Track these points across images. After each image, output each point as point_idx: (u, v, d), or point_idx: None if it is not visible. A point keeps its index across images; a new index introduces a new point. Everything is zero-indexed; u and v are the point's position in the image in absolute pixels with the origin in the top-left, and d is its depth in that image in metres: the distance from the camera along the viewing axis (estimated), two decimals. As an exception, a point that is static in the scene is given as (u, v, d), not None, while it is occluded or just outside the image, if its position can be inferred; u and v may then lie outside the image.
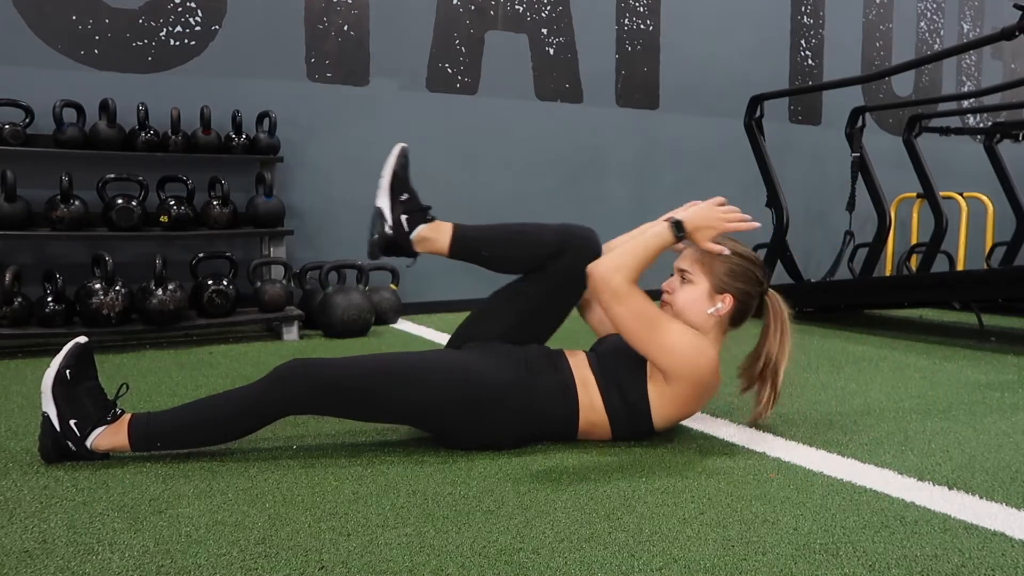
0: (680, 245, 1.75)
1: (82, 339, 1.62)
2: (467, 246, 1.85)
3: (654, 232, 1.72)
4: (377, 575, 1.13)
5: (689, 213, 1.73)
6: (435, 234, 1.84)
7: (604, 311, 1.71)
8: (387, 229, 1.83)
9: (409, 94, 4.03)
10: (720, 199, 1.75)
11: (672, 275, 1.81)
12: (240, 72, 3.60)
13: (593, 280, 1.69)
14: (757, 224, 1.75)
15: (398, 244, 1.84)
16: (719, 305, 1.74)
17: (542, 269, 1.81)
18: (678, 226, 1.71)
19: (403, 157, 1.88)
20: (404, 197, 1.85)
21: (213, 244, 3.49)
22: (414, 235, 1.84)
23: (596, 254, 1.78)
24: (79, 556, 1.18)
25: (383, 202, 1.85)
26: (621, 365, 1.72)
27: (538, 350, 1.80)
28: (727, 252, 1.73)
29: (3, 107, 3.06)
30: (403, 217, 1.84)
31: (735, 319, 1.78)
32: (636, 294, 1.67)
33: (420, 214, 1.85)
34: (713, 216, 1.72)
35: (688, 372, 1.66)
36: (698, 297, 1.75)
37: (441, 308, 4.07)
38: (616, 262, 1.68)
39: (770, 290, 1.82)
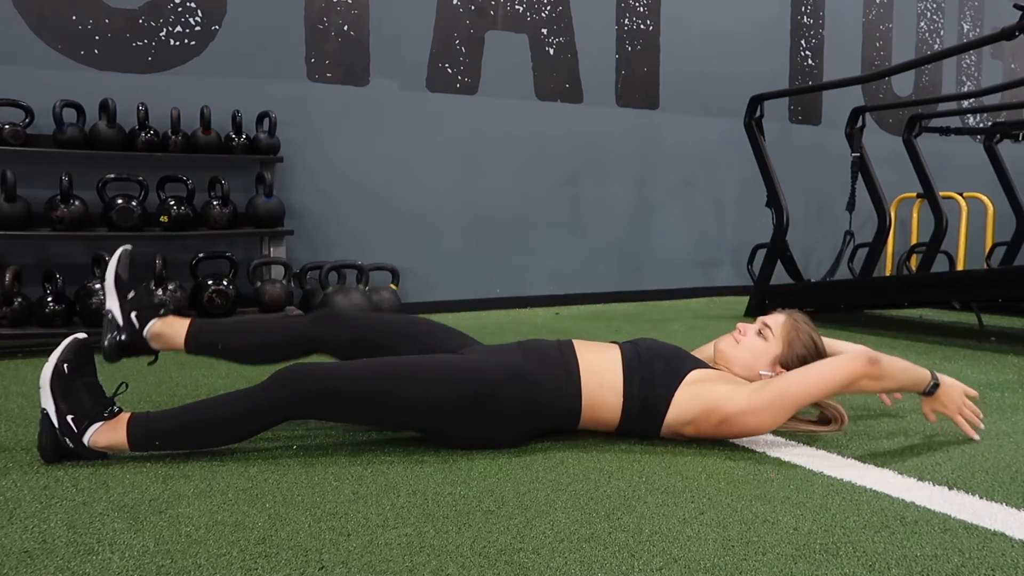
0: (926, 400, 1.79)
1: (81, 335, 1.62)
2: (202, 339, 1.85)
3: (918, 374, 1.74)
4: (377, 575, 1.13)
5: (947, 384, 1.77)
6: (169, 329, 1.83)
7: (826, 366, 1.69)
8: (118, 333, 1.80)
9: (409, 94, 4.03)
10: (975, 394, 1.81)
11: (754, 321, 1.90)
12: (240, 72, 3.60)
13: (863, 354, 1.68)
14: (977, 438, 1.80)
15: (134, 344, 1.81)
16: (773, 374, 1.80)
17: (288, 356, 1.85)
18: (934, 388, 1.75)
19: (125, 258, 1.87)
20: (131, 295, 1.83)
21: (213, 244, 3.49)
22: (147, 331, 1.82)
23: (352, 319, 1.88)
24: (79, 556, 1.18)
25: (112, 304, 1.82)
26: (659, 361, 1.74)
27: (538, 341, 1.81)
28: (932, 421, 1.81)
29: (3, 107, 3.06)
30: (133, 314, 1.82)
31: None
32: (847, 386, 1.68)
33: (151, 310, 1.84)
34: (959, 402, 1.78)
35: (753, 416, 1.67)
36: (763, 354, 1.81)
37: (441, 308, 4.07)
38: (885, 368, 1.67)
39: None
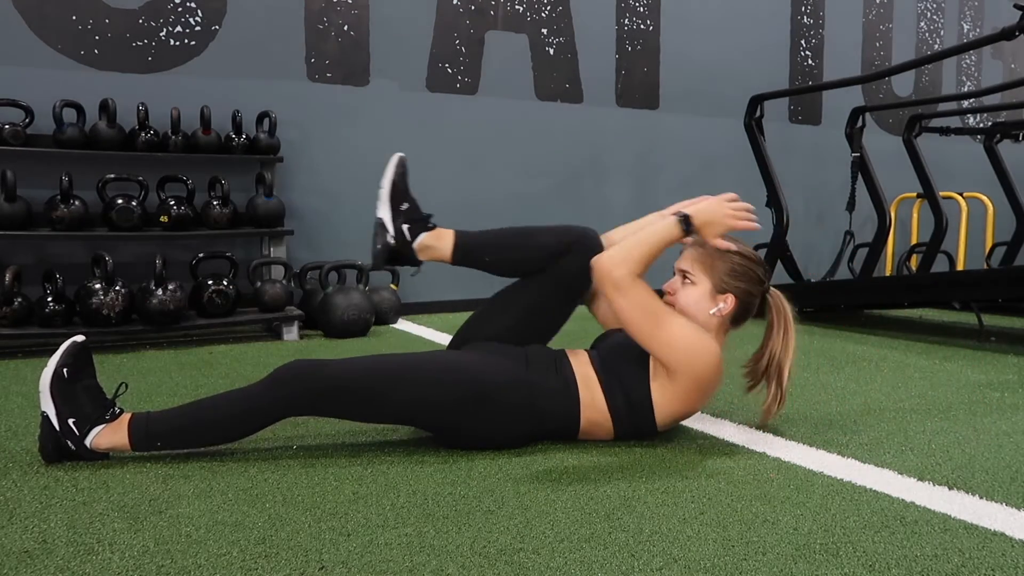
0: (688, 240, 1.75)
1: (79, 338, 1.62)
2: (469, 253, 1.88)
3: (661, 226, 1.72)
4: (377, 575, 1.13)
5: (697, 208, 1.73)
6: (437, 242, 1.87)
7: (608, 304, 1.72)
8: (389, 239, 1.85)
9: (409, 94, 4.03)
10: (731, 195, 1.76)
11: (674, 275, 1.81)
12: (240, 72, 3.60)
13: (597, 272, 1.70)
14: (758, 226, 1.77)
15: (401, 253, 1.86)
16: (721, 305, 1.75)
17: (543, 270, 1.84)
18: (686, 221, 1.71)
19: (401, 166, 1.90)
20: (404, 207, 1.87)
21: (213, 244, 3.49)
22: (416, 243, 1.86)
23: (598, 251, 1.79)
24: (79, 556, 1.18)
25: (384, 213, 1.87)
26: (623, 363, 1.73)
27: (539, 349, 1.80)
28: (733, 248, 1.74)
29: (3, 107, 3.05)
30: (405, 227, 1.86)
31: (737, 318, 1.79)
32: (639, 287, 1.67)
33: (421, 223, 1.88)
34: (721, 212, 1.73)
35: (691, 367, 1.66)
36: (700, 298, 1.75)
37: (441, 308, 4.07)
38: (621, 255, 1.68)
39: (772, 288, 1.82)
